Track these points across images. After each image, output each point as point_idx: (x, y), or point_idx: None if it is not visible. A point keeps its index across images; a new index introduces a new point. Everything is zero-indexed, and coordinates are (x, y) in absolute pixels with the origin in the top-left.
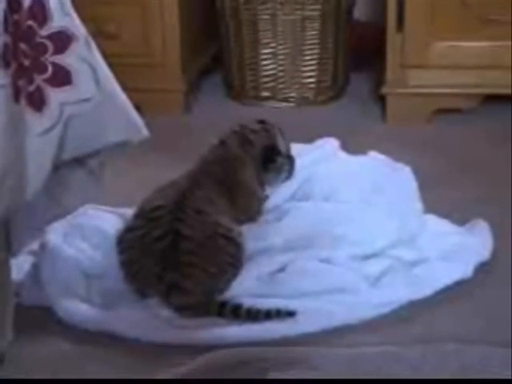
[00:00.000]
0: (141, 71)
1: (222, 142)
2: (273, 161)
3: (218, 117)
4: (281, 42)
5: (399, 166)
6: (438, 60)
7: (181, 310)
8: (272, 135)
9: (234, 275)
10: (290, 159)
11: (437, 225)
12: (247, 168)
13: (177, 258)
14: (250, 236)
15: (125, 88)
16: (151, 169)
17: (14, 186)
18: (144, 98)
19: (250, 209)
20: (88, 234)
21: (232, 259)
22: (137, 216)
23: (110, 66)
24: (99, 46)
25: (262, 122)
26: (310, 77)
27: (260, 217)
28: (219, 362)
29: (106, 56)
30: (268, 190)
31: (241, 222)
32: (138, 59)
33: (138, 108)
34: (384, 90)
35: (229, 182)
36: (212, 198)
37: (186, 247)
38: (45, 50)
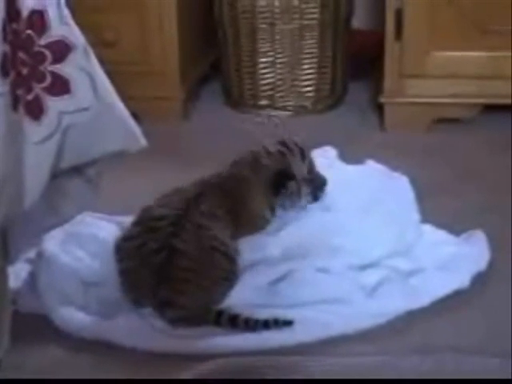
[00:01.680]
0: (139, 79)
1: (236, 162)
2: (283, 186)
3: (216, 125)
4: (279, 50)
5: (397, 175)
6: (437, 69)
7: (174, 323)
8: (286, 159)
9: (229, 288)
10: (316, 180)
11: (433, 235)
12: (255, 192)
13: (171, 273)
14: (248, 246)
15: (123, 96)
16: (149, 176)
17: (12, 194)
18: (142, 106)
19: (252, 231)
20: (85, 243)
21: (226, 273)
22: (137, 223)
23: (109, 73)
24: (98, 54)
25: (283, 143)
26: (309, 85)
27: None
28: (217, 372)
29: (104, 64)
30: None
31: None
32: (137, 67)
33: (136, 116)
34: (382, 99)
35: (235, 205)
36: (216, 213)
37: (180, 263)
38: (43, 59)
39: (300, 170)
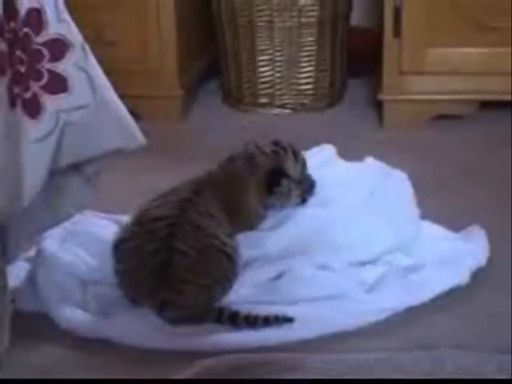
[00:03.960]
0: (138, 77)
1: (231, 160)
2: (278, 184)
3: (214, 123)
4: (278, 48)
5: (396, 171)
6: (435, 66)
7: (173, 323)
8: (281, 158)
9: (229, 286)
10: (306, 182)
11: (433, 231)
12: (249, 192)
13: (171, 274)
14: (248, 243)
15: (122, 94)
16: (148, 175)
17: (10, 192)
18: (141, 104)
19: (247, 227)
20: (84, 241)
21: (225, 272)
22: (135, 224)
23: (107, 72)
24: (96, 53)
25: (276, 143)
26: (307, 83)
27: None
28: (218, 369)
29: (103, 62)
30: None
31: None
32: (135, 65)
33: (135, 114)
34: (381, 96)
35: (230, 203)
36: (211, 212)
37: (180, 263)
38: (41, 57)
39: (293, 170)
